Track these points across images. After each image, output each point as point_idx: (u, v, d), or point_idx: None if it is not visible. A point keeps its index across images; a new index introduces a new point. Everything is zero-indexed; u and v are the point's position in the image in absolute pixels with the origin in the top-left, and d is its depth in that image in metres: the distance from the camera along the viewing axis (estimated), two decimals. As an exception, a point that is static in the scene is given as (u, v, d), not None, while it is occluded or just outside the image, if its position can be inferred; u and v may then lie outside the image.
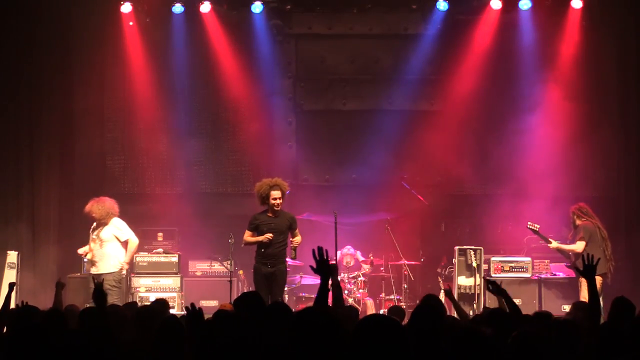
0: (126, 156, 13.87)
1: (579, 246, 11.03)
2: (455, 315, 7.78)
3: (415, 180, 13.40)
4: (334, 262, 10.38)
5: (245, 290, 12.70)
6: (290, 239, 10.35)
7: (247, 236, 10.47)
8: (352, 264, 12.49)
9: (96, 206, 10.99)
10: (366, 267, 12.35)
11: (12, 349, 4.52)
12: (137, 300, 11.91)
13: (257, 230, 10.42)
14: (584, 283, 11.00)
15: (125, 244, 11.05)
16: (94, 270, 10.90)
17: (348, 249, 12.52)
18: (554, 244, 11.24)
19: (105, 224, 10.97)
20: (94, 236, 11.01)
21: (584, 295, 10.85)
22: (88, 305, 9.04)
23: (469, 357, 4.16)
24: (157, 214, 13.43)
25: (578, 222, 11.24)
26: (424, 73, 13.77)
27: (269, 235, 10.23)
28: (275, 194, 10.29)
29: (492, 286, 6.37)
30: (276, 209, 10.35)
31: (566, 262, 11.75)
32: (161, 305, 7.39)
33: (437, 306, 5.93)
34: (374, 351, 3.63)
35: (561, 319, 6.48)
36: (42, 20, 12.90)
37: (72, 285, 11.89)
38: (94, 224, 11.08)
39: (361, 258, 12.60)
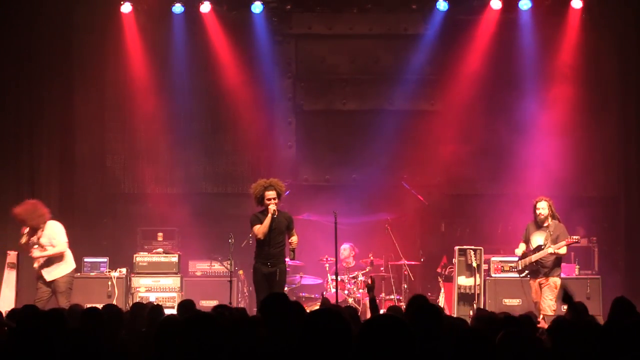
0: (126, 156, 13.88)
1: (564, 250, 10.93)
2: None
3: (415, 180, 13.42)
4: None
5: (245, 290, 12.71)
6: (289, 240, 10.27)
7: (257, 228, 10.12)
8: (352, 264, 12.47)
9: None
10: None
11: (13, 349, 4.53)
12: (137, 300, 11.90)
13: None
14: (534, 285, 10.90)
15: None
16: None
17: (344, 249, 12.46)
18: (551, 249, 10.99)
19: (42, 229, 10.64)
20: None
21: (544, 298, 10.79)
22: (89, 306, 9.04)
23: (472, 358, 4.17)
24: (157, 214, 13.44)
25: (553, 220, 10.96)
26: (424, 73, 13.79)
27: (273, 208, 10.06)
28: (270, 194, 10.13)
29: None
30: (272, 209, 10.20)
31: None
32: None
33: (430, 306, 5.93)
34: (382, 351, 3.62)
35: (560, 319, 6.49)
36: (43, 20, 12.90)
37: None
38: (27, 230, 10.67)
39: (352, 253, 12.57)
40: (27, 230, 10.64)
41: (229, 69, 13.64)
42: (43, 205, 10.69)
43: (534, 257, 10.78)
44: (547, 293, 10.73)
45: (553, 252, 10.77)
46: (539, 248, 10.85)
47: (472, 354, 4.21)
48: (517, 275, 11.36)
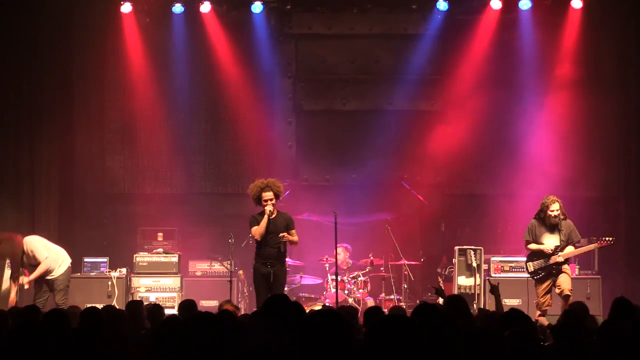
0: (126, 156, 13.88)
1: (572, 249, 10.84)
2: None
3: (415, 180, 13.43)
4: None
5: (245, 290, 12.71)
6: (284, 234, 10.14)
7: (254, 229, 10.14)
8: (350, 263, 12.43)
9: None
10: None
11: (13, 349, 4.53)
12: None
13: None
14: (543, 285, 10.68)
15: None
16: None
17: (338, 253, 12.29)
18: (561, 256, 10.80)
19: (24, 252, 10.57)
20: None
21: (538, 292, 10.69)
22: (89, 306, 9.04)
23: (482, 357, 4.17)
24: (157, 214, 13.44)
25: (564, 219, 10.82)
26: (424, 73, 13.78)
27: (269, 209, 10.11)
28: (267, 195, 10.06)
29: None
30: (267, 210, 10.09)
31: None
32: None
33: (436, 307, 5.93)
34: (390, 350, 3.62)
35: (559, 319, 6.51)
36: (43, 20, 12.90)
37: (72, 286, 11.89)
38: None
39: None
40: (8, 265, 10.59)
41: (229, 69, 13.64)
42: (12, 233, 10.68)
43: (552, 261, 10.61)
44: (567, 278, 10.54)
45: (567, 256, 10.65)
46: (556, 250, 10.61)
47: (483, 353, 4.21)
48: (517, 275, 11.33)
